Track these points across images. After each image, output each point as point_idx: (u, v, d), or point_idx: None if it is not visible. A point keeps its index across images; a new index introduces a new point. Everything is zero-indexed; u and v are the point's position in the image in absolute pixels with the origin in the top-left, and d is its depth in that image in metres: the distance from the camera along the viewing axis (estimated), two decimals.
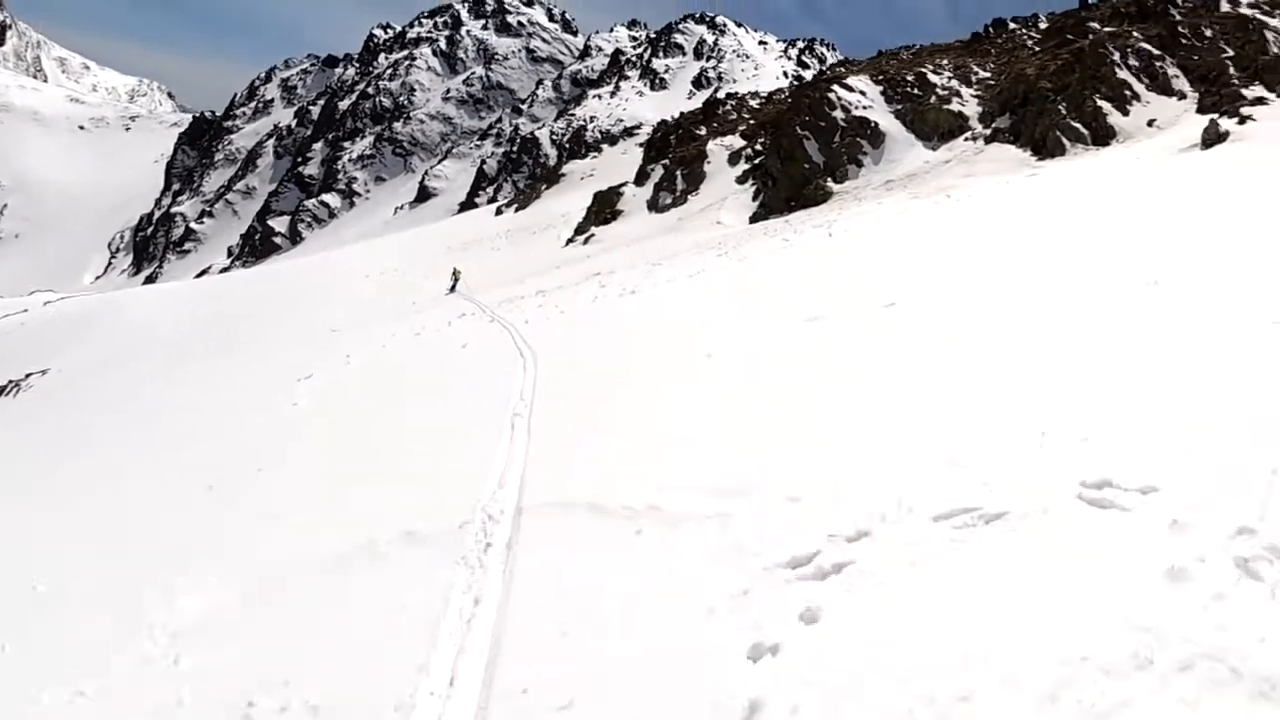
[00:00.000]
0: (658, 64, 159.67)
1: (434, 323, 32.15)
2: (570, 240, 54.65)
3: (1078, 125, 37.37)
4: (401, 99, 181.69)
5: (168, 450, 18.43)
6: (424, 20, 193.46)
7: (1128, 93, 37.91)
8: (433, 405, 16.75)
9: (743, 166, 54.40)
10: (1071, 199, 24.54)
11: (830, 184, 45.22)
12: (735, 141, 57.91)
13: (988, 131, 43.37)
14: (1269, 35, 38.24)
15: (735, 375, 12.56)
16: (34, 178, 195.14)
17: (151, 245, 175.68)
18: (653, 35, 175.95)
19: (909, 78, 49.72)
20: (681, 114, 73.72)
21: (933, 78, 49.29)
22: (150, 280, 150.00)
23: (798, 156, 47.13)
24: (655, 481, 8.41)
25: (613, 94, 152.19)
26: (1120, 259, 14.20)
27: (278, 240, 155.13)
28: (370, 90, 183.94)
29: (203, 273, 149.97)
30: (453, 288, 46.21)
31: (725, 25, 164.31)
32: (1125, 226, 17.76)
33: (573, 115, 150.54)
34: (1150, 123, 36.11)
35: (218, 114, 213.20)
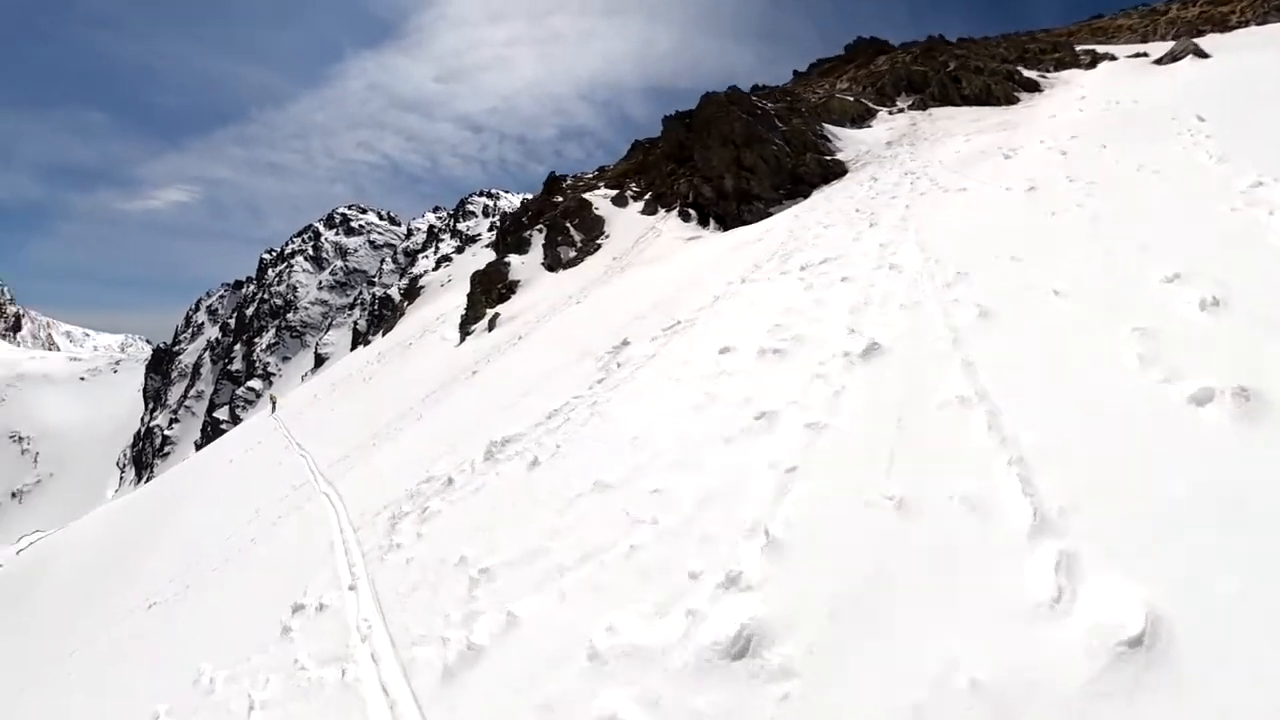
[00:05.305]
0: (461, 226, 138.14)
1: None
2: (466, 334, 24.40)
3: (1009, 82, 25.57)
4: (289, 296, 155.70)
5: None
6: (294, 239, 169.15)
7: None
8: None
9: (635, 205, 26.64)
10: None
11: (831, 159, 21.63)
12: (607, 192, 29.65)
13: (904, 105, 28.09)
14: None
15: None
16: (53, 426, 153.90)
17: (143, 456, 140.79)
18: (451, 211, 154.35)
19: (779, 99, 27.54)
20: (526, 199, 45.28)
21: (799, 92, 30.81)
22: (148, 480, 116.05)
23: (764, 138, 21.23)
24: None
25: (435, 253, 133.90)
26: None
27: (224, 427, 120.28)
28: (265, 296, 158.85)
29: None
30: (273, 410, 33.48)
31: (498, 193, 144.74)
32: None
33: (410, 273, 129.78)
34: (1043, 75, 26.32)
35: (168, 343, 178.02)
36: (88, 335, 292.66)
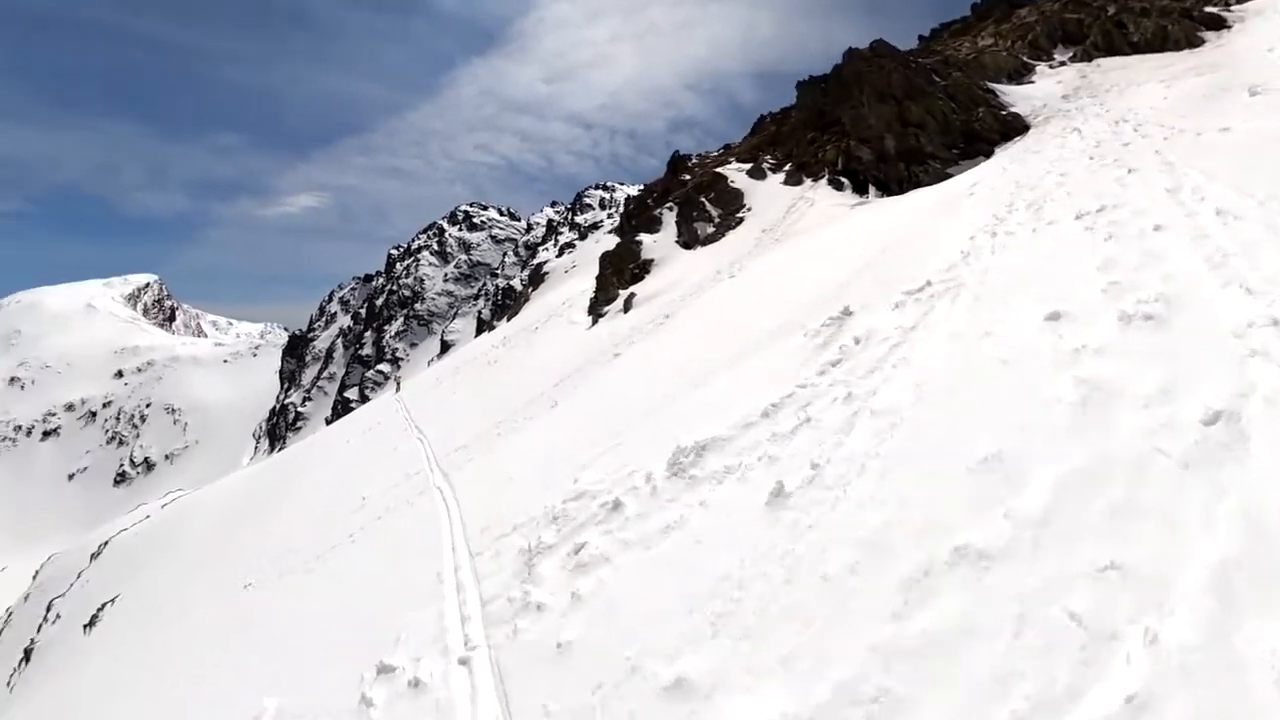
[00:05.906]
0: (579, 219, 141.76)
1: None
2: (598, 316, 21.95)
3: (1187, 20, 21.41)
4: (416, 288, 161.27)
5: None
6: (420, 235, 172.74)
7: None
8: None
9: (775, 177, 23.99)
10: None
11: (1007, 113, 18.65)
12: (741, 166, 27.05)
13: (1062, 58, 24.14)
14: None
15: None
16: (201, 401, 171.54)
17: (276, 429, 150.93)
18: (568, 205, 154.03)
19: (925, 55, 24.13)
20: (646, 186, 42.51)
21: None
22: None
23: (928, 91, 18.58)
24: None
25: (555, 244, 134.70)
26: None
27: (353, 405, 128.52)
28: (394, 288, 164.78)
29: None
30: (397, 389, 34.33)
31: (614, 186, 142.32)
32: None
33: (531, 265, 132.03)
34: (1227, 8, 22.03)
35: (303, 330, 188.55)
36: (231, 324, 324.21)
